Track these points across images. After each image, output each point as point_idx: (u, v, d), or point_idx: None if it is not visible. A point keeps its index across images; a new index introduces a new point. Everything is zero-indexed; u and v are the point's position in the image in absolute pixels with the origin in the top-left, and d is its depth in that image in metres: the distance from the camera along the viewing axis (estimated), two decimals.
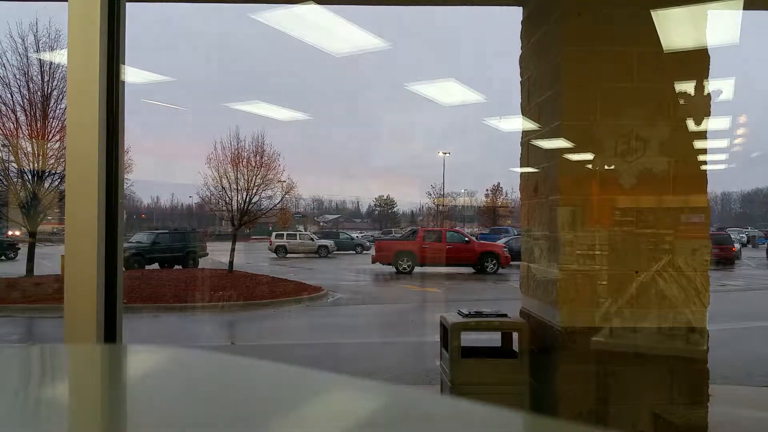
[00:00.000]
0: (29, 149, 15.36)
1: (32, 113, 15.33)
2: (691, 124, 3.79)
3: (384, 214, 47.43)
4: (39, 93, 15.35)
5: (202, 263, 20.16)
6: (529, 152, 4.50)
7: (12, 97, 15.23)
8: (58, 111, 15.26)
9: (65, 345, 1.77)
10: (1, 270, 17.37)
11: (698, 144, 3.82)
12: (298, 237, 26.94)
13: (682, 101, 3.79)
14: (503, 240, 23.11)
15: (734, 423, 4.34)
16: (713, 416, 3.79)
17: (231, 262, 17.32)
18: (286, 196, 21.83)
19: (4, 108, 15.26)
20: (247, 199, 18.06)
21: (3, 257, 20.98)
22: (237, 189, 17.99)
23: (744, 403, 5.17)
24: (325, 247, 25.92)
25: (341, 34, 4.78)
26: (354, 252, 28.01)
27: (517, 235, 16.83)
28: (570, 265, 3.81)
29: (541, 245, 4.20)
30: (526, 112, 4.52)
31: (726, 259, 20.97)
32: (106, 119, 1.84)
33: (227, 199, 18.15)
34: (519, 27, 4.61)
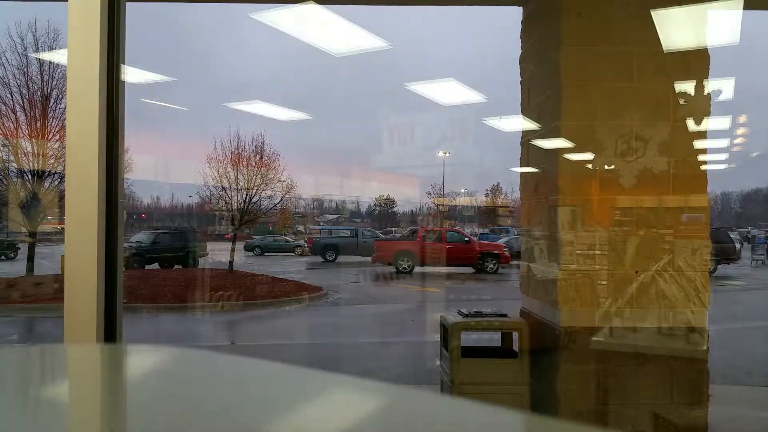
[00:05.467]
0: (29, 149, 15.36)
1: (32, 113, 15.33)
2: (691, 124, 3.79)
3: (384, 213, 47.39)
4: (39, 93, 15.36)
5: (202, 263, 20.17)
6: (529, 152, 4.50)
7: (12, 96, 15.25)
8: (58, 111, 15.26)
9: (65, 345, 1.77)
10: (1, 270, 17.36)
11: (698, 144, 3.82)
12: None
13: (682, 101, 3.79)
14: (503, 240, 23.11)
15: (734, 423, 4.34)
16: (713, 416, 3.79)
17: (231, 262, 17.33)
18: (286, 196, 21.85)
19: (4, 108, 15.27)
20: (247, 199, 18.09)
21: (3, 257, 20.98)
22: (237, 189, 18.02)
23: (744, 403, 5.17)
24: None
25: (341, 34, 4.77)
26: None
27: (517, 234, 16.81)
28: (570, 265, 3.81)
29: (541, 245, 4.20)
30: (526, 112, 4.51)
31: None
32: (106, 119, 1.84)
33: (227, 198, 18.19)
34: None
